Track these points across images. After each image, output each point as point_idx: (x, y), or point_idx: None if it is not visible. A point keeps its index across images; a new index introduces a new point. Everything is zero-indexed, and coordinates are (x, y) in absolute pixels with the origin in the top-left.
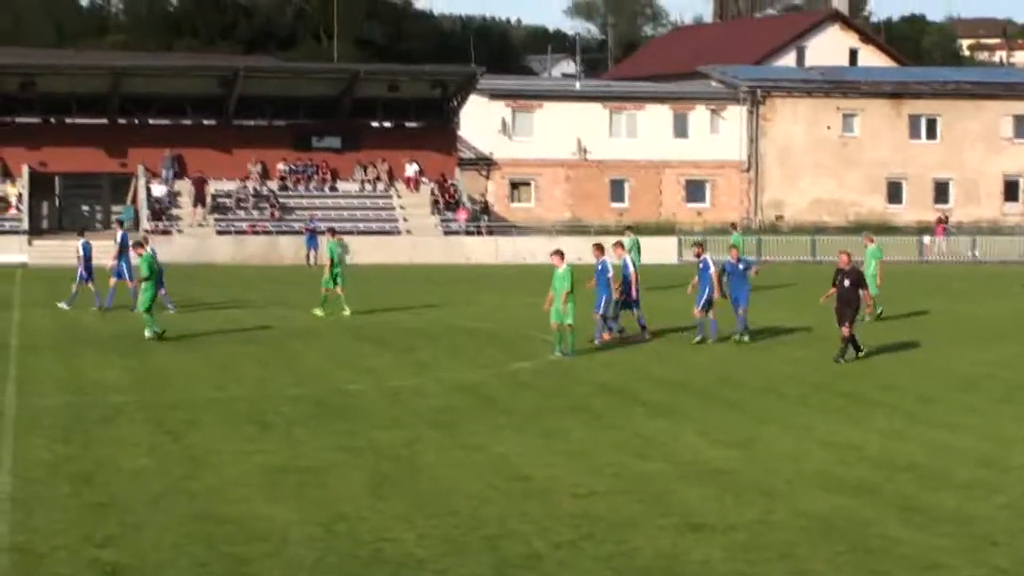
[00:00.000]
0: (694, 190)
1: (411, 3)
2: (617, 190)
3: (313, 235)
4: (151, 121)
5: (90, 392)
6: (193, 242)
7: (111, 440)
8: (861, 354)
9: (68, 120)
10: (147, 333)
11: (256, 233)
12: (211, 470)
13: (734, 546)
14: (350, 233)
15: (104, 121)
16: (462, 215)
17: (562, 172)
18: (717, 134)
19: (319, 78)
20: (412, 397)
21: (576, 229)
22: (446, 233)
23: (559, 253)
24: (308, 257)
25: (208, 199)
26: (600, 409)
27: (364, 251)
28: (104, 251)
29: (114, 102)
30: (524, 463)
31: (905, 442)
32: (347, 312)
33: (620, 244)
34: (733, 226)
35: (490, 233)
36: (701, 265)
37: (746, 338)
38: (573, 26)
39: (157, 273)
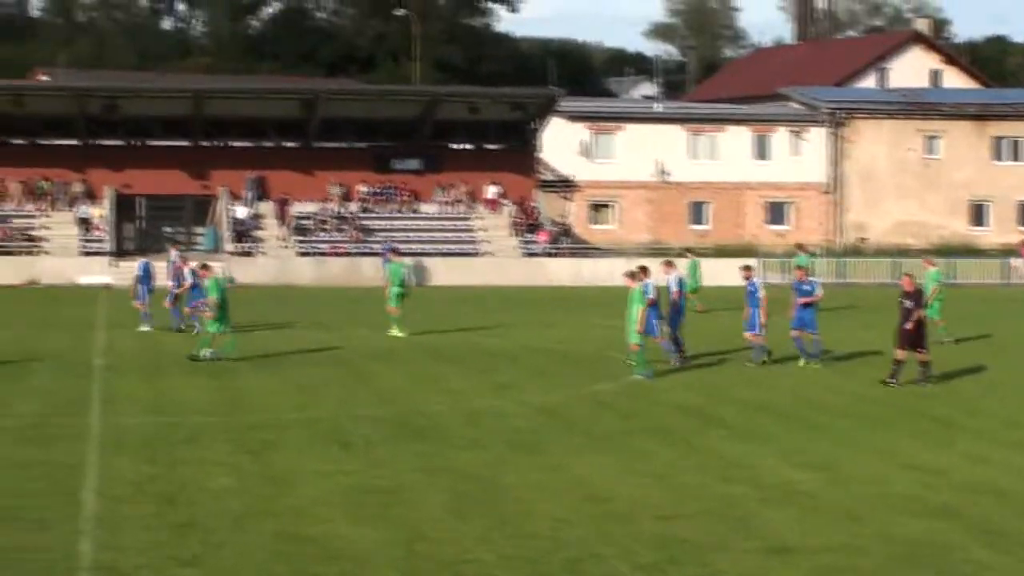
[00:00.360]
0: (775, 212)
1: (491, 26)
2: (697, 212)
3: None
4: (233, 143)
5: (174, 412)
6: (275, 263)
7: (194, 460)
8: (891, 383)
9: (151, 143)
10: (205, 353)
11: (337, 255)
12: (293, 490)
13: (820, 570)
14: (430, 255)
15: (187, 143)
16: (543, 237)
17: (642, 194)
18: (799, 156)
19: (400, 100)
20: (492, 418)
21: (657, 251)
22: (526, 255)
23: (632, 274)
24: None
25: (290, 220)
26: (681, 431)
27: (444, 273)
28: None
29: (197, 125)
30: (605, 485)
31: (990, 466)
32: (397, 333)
33: (669, 262)
34: (800, 247)
35: (571, 255)
36: (750, 288)
37: (815, 364)
38: (653, 48)
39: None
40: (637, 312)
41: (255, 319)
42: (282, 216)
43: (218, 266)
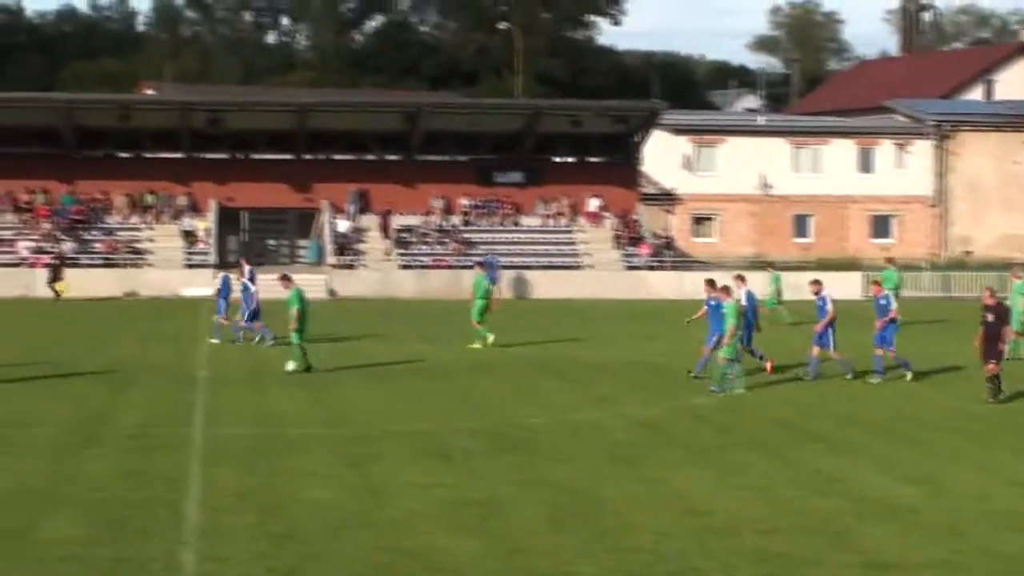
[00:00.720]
0: (880, 225)
1: (594, 39)
2: (801, 225)
3: (493, 269)
4: (336, 157)
5: (275, 424)
6: (377, 276)
7: (295, 472)
8: (1001, 396)
9: (255, 156)
10: (290, 366)
11: (439, 267)
12: (393, 502)
13: None
14: (531, 268)
15: (290, 157)
16: (644, 250)
17: (745, 207)
18: (903, 169)
19: (502, 114)
20: (592, 431)
21: (760, 264)
22: (628, 268)
23: (725, 289)
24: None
25: (392, 233)
26: (779, 444)
27: (546, 286)
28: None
29: (300, 138)
30: (704, 498)
31: None
32: (477, 345)
33: (740, 277)
34: (889, 261)
35: (673, 268)
36: (819, 303)
37: (874, 380)
38: (756, 60)
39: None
40: (729, 327)
41: (357, 331)
42: (385, 228)
43: (320, 279)
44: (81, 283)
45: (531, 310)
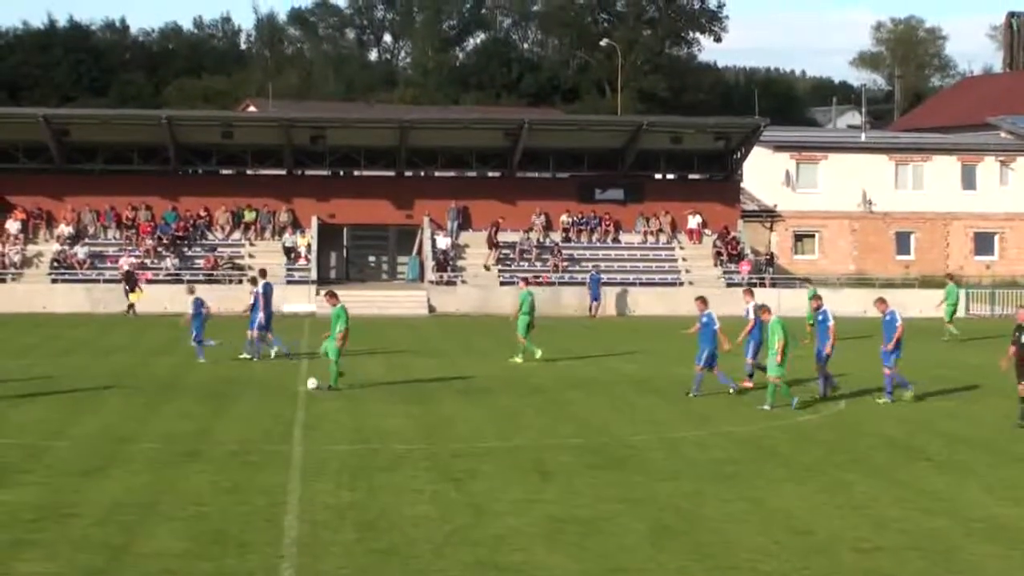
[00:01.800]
0: (982, 243)
1: (695, 56)
2: (903, 243)
3: (597, 286)
4: (437, 174)
5: (375, 439)
6: (477, 292)
7: (395, 487)
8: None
9: (356, 173)
10: (312, 384)
11: (539, 284)
12: (493, 519)
13: None
14: (632, 284)
15: (391, 174)
16: (745, 267)
17: (846, 224)
18: (1006, 186)
19: (603, 131)
20: (693, 449)
21: (861, 282)
22: (728, 285)
23: (764, 308)
24: (591, 308)
25: (497, 246)
26: (883, 463)
27: (646, 302)
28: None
29: (401, 155)
30: (806, 517)
31: None
32: (518, 360)
33: (750, 291)
34: (949, 277)
35: (773, 285)
36: (887, 318)
37: (881, 399)
38: (859, 77)
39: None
40: (777, 344)
41: (456, 347)
42: (492, 242)
43: (420, 295)
44: (183, 299)
45: (631, 327)
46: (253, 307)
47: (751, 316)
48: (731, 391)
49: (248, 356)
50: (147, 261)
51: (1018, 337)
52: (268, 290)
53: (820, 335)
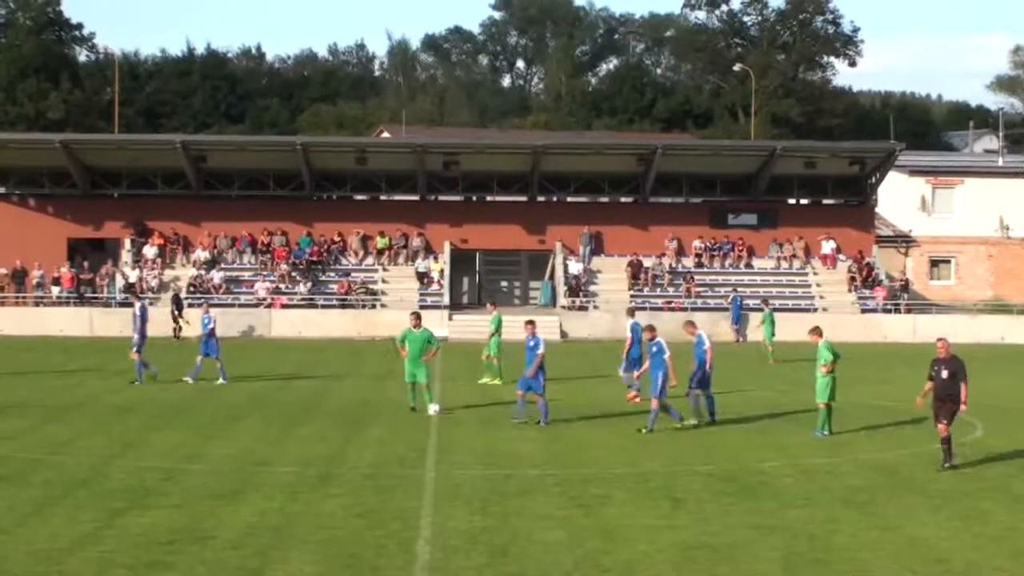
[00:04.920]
0: None
1: (829, 80)
2: None
3: (739, 310)
4: (569, 199)
5: (506, 464)
6: (609, 318)
7: (526, 512)
8: (947, 465)
9: (489, 198)
10: (431, 410)
11: (671, 310)
12: (623, 545)
13: None
14: (764, 310)
15: (524, 199)
16: (880, 293)
17: (983, 250)
18: None
19: (736, 155)
20: (827, 476)
21: (999, 308)
22: (863, 311)
23: (817, 330)
24: (738, 333)
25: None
26: (1021, 491)
27: (779, 328)
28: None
29: (534, 180)
30: (942, 546)
31: None
32: (488, 380)
33: (691, 323)
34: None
35: (908, 311)
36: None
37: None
38: (996, 101)
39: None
40: (823, 368)
41: (587, 373)
42: (636, 273)
43: (552, 320)
44: (317, 324)
45: (765, 353)
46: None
47: (706, 346)
48: (677, 424)
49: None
50: (282, 286)
51: (938, 372)
52: (145, 312)
53: (654, 365)
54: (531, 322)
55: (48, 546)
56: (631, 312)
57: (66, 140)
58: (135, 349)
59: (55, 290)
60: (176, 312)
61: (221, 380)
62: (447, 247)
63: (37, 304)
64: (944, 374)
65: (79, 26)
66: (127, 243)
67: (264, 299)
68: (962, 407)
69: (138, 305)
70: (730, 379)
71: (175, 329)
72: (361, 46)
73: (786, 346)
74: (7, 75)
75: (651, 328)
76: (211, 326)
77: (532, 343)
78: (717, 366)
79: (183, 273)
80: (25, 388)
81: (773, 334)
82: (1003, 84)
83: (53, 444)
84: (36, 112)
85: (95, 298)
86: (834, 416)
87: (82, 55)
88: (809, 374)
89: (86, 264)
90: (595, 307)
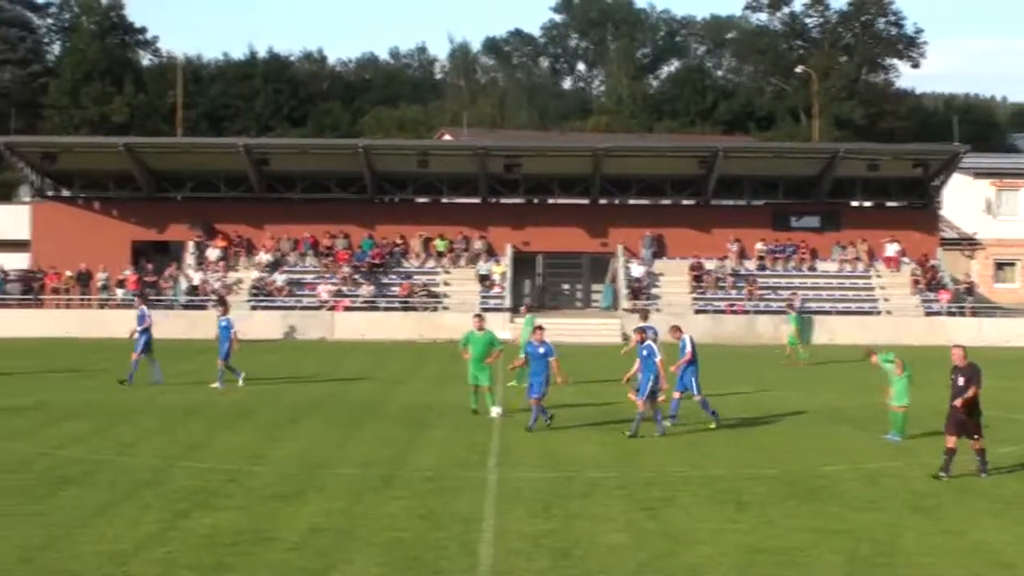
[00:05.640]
0: None
1: (892, 82)
2: None
3: (800, 315)
4: (631, 201)
5: (569, 467)
6: (671, 320)
7: (589, 515)
8: (942, 475)
9: (550, 201)
10: (496, 412)
11: (733, 312)
12: (688, 548)
13: None
14: (828, 313)
15: (585, 202)
16: (944, 296)
17: None
18: None
19: (798, 158)
20: (891, 480)
21: None
22: (927, 314)
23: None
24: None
25: (703, 276)
26: None
27: (843, 331)
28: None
29: (595, 183)
30: (1008, 551)
31: None
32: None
33: (677, 327)
34: None
35: (973, 314)
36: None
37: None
38: None
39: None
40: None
41: None
42: (699, 276)
43: (614, 323)
44: (379, 326)
45: (828, 356)
46: (221, 338)
47: (688, 348)
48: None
49: (218, 386)
50: (344, 288)
51: (954, 379)
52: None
53: (535, 368)
54: (540, 328)
55: (113, 547)
56: (644, 315)
57: (130, 143)
58: (138, 350)
59: (119, 292)
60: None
61: (217, 384)
62: (509, 250)
63: (102, 306)
64: (960, 381)
65: (143, 30)
66: (191, 246)
67: (326, 301)
68: (958, 401)
69: (143, 308)
70: (790, 382)
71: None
72: (422, 49)
73: (840, 349)
74: (72, 79)
75: (641, 331)
76: (232, 330)
77: (543, 350)
78: (771, 368)
79: (246, 276)
80: (90, 390)
81: (798, 335)
82: None
83: (118, 445)
84: (100, 116)
85: (159, 300)
86: (928, 420)
87: (146, 59)
88: (863, 376)
89: (150, 267)
90: (658, 310)
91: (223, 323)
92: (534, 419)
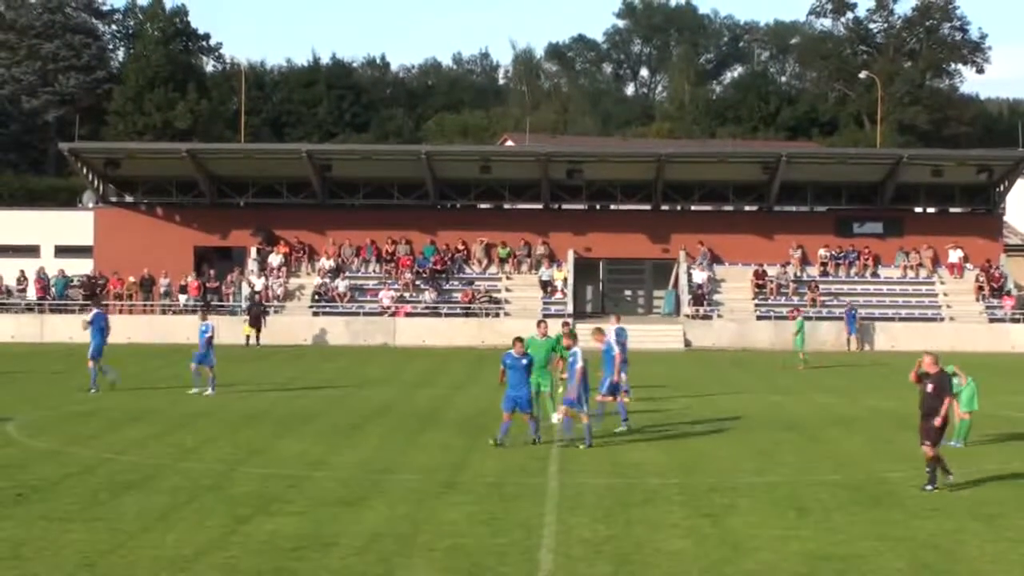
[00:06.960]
0: None
1: (956, 87)
2: None
3: (853, 321)
4: (693, 207)
5: (630, 473)
6: (733, 327)
7: (650, 521)
8: (930, 487)
9: (613, 207)
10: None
11: (795, 319)
12: (749, 555)
13: None
14: (891, 319)
15: (647, 207)
16: (1008, 302)
17: None
18: None
19: (862, 163)
20: (955, 486)
21: None
22: (991, 320)
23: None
24: (849, 342)
25: (763, 283)
26: None
27: (906, 338)
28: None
29: (658, 189)
30: None
31: None
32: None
33: (600, 330)
34: None
35: None
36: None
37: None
38: None
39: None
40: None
41: (711, 382)
42: (761, 282)
43: (676, 329)
44: (441, 332)
45: (891, 363)
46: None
47: (615, 352)
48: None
49: (198, 391)
50: (406, 294)
51: (923, 386)
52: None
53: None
54: (572, 335)
55: (174, 552)
56: (618, 318)
57: (193, 149)
58: (92, 356)
59: (182, 298)
60: (259, 318)
61: (209, 391)
62: (570, 255)
63: (164, 312)
64: (928, 387)
65: (206, 36)
66: (253, 251)
67: (388, 307)
68: (937, 421)
69: (94, 313)
70: (850, 388)
71: (256, 335)
72: (485, 55)
73: (902, 356)
74: (136, 85)
75: (572, 336)
76: (208, 335)
77: (571, 359)
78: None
79: (308, 282)
80: (153, 396)
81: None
82: None
83: (180, 451)
84: (164, 122)
85: (221, 306)
86: (993, 427)
87: (209, 65)
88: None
89: (212, 272)
90: (719, 316)
91: (203, 328)
92: (588, 435)
